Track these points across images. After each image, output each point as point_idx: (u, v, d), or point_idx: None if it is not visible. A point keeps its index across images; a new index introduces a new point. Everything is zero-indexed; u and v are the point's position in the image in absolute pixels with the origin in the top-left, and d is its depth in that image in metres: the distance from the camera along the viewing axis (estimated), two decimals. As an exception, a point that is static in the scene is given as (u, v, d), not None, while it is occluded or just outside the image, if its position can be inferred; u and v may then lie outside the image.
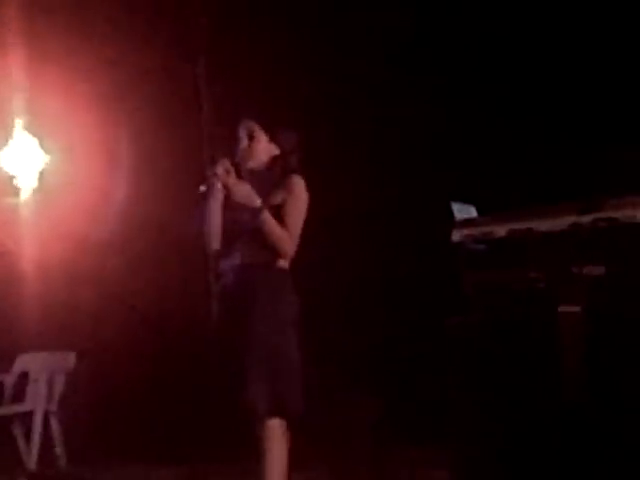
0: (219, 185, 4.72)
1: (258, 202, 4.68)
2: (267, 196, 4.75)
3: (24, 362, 7.93)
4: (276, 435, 4.63)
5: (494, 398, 3.71)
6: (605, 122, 6.84)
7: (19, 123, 8.80)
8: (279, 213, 4.70)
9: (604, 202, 3.75)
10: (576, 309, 3.60)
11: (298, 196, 4.77)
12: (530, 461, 3.60)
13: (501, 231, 3.97)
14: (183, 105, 9.10)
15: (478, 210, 4.43)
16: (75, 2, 8.79)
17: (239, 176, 4.78)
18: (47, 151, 8.90)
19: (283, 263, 4.77)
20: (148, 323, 9.08)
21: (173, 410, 8.24)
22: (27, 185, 8.90)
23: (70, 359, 8.13)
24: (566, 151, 6.86)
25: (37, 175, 8.90)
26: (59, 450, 7.96)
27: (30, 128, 8.83)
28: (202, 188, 4.72)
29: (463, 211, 4.34)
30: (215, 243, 4.77)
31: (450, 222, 4.26)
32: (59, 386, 8.05)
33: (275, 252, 4.71)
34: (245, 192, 4.70)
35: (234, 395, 4.62)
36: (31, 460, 7.74)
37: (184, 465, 7.47)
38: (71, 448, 8.00)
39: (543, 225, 3.84)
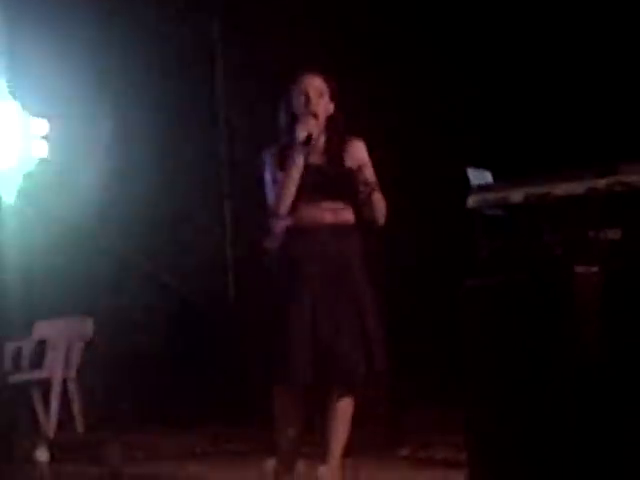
0: (304, 152, 4.52)
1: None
2: (332, 158, 4.64)
3: (42, 329, 7.98)
4: (349, 399, 4.64)
5: (510, 361, 3.72)
6: (622, 86, 6.82)
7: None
8: (359, 178, 4.54)
9: (620, 166, 3.74)
10: (593, 269, 3.61)
11: (369, 162, 4.67)
12: (546, 424, 3.61)
13: (517, 196, 3.96)
14: (198, 69, 9.08)
15: (494, 175, 4.43)
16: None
17: None
18: (55, 117, 8.82)
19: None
20: (167, 289, 9.11)
21: (193, 375, 8.29)
22: (39, 154, 8.87)
23: (88, 326, 8.17)
24: (582, 115, 6.84)
25: (46, 144, 8.85)
26: (77, 416, 8.02)
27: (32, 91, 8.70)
28: (302, 135, 4.50)
29: (479, 177, 4.33)
30: (285, 208, 4.54)
31: (466, 187, 4.26)
32: (77, 353, 8.10)
33: (371, 217, 4.62)
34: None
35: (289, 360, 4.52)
36: (50, 426, 7.80)
37: (206, 429, 7.51)
38: (89, 414, 8.06)
39: (559, 189, 3.83)
